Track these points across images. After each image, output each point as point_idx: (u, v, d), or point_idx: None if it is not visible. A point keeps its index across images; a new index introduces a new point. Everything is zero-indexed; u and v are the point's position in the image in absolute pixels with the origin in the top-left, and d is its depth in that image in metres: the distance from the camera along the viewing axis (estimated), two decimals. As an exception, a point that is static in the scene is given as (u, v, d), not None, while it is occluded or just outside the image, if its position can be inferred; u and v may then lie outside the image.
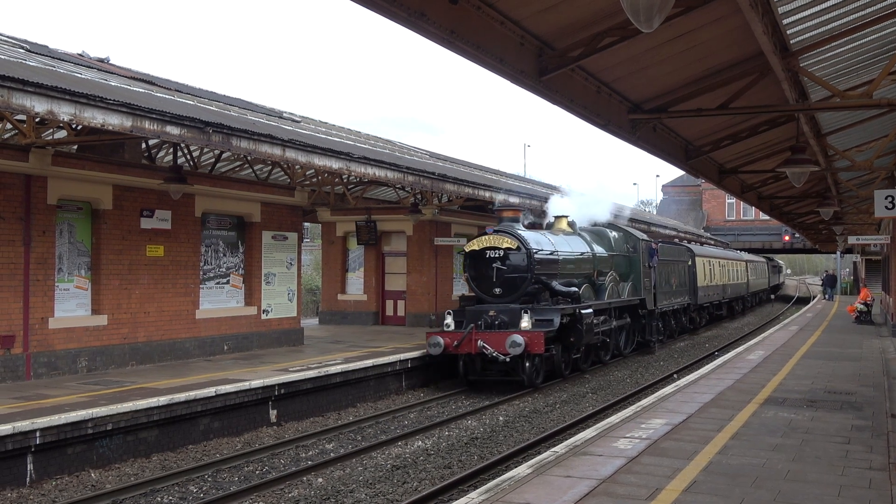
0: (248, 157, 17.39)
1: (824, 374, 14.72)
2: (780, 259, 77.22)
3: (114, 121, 10.26)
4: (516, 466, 8.66)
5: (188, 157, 17.33)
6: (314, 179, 19.15)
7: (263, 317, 18.33)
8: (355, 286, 25.55)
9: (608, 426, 9.80)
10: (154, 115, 10.75)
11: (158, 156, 17.57)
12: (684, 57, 9.94)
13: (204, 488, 9.61)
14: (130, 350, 14.89)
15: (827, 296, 50.17)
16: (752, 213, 54.70)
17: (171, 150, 16.43)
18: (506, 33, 8.13)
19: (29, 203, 13.09)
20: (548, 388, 16.93)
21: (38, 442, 9.60)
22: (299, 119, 18.96)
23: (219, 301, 17.24)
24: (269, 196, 18.45)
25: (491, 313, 16.72)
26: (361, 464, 10.55)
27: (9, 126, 14.66)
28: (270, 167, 19.06)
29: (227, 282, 17.59)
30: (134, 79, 14.33)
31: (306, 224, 28.28)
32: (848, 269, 62.02)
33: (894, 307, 25.21)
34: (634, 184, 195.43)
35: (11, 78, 8.94)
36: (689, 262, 30.13)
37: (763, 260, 54.89)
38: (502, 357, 15.80)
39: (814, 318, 32.04)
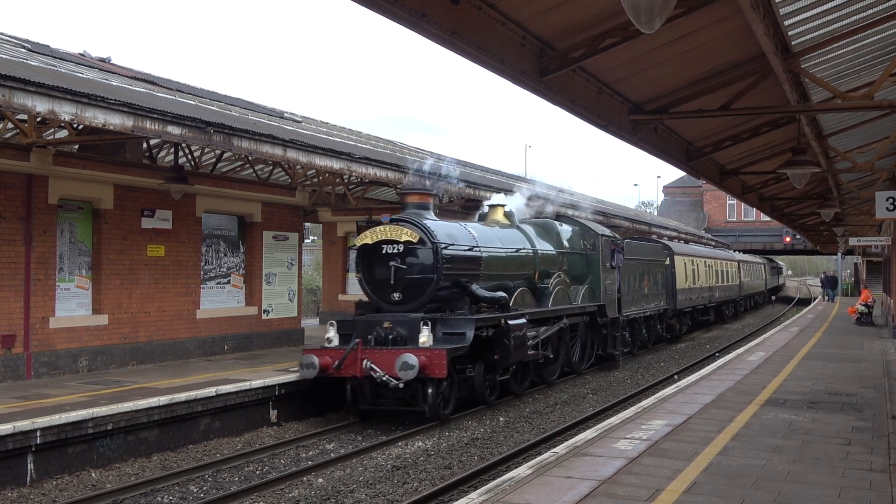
0: (250, 158, 17.39)
1: (825, 375, 14.71)
2: (782, 260, 77.11)
3: (115, 120, 10.27)
4: (517, 467, 8.66)
5: (189, 157, 17.33)
6: (315, 180, 19.16)
7: (264, 317, 18.35)
8: (356, 286, 25.47)
9: (608, 427, 9.79)
10: (155, 115, 10.76)
11: (160, 156, 17.57)
12: (685, 58, 9.94)
13: (204, 488, 9.61)
14: (131, 350, 14.90)
15: (827, 297, 50.18)
16: (753, 215, 54.67)
17: (173, 149, 16.43)
18: (507, 34, 8.14)
19: (30, 203, 13.10)
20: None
21: (38, 441, 9.60)
22: (300, 119, 18.97)
23: (219, 301, 17.25)
24: (270, 196, 18.46)
25: (385, 325, 13.08)
26: (362, 464, 10.55)
27: (10, 126, 14.68)
28: (271, 167, 19.07)
29: (228, 282, 17.60)
30: (135, 79, 14.34)
31: (307, 224, 28.29)
32: (849, 271, 62.03)
33: (895, 309, 25.20)
34: (635, 185, 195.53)
35: (13, 77, 8.95)
36: (667, 262, 26.95)
37: (760, 260, 52.68)
38: (394, 382, 12.22)
39: (814, 320, 32.02)
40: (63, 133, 14.77)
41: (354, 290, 25.19)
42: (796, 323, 30.42)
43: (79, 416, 10.07)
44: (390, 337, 12.99)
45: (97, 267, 14.41)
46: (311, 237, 44.01)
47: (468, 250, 14.27)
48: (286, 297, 19.13)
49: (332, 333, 13.38)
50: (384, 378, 12.30)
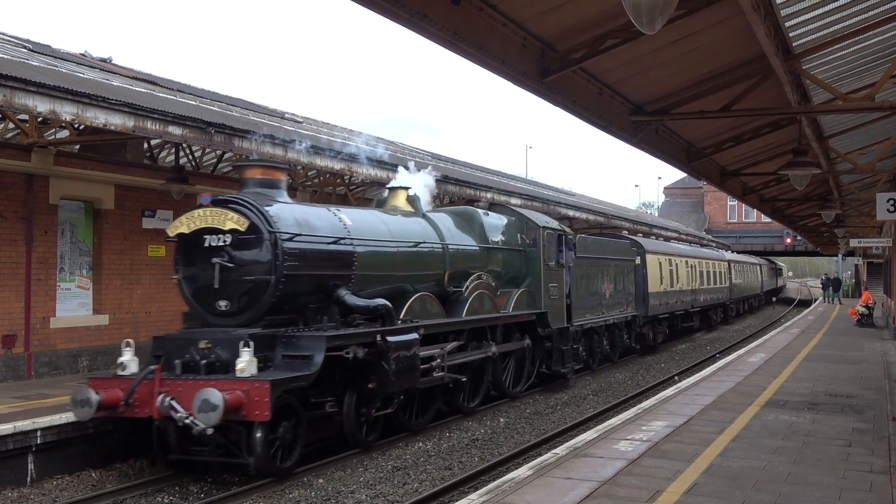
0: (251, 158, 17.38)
1: (825, 376, 14.70)
2: (782, 262, 77.12)
3: (116, 121, 10.29)
4: (517, 468, 8.67)
5: (190, 157, 17.34)
6: (316, 180, 19.17)
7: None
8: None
9: (609, 428, 9.79)
10: (156, 116, 10.78)
11: (160, 156, 17.59)
12: (686, 59, 9.94)
13: (205, 488, 9.60)
14: (131, 350, 14.89)
15: (828, 299, 50.20)
16: (754, 216, 54.65)
17: (174, 150, 16.45)
18: (508, 35, 8.14)
19: (31, 203, 13.11)
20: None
21: (38, 441, 9.60)
22: (301, 120, 18.97)
23: (220, 301, 17.22)
24: (271, 196, 18.43)
25: (202, 345, 9.68)
26: (362, 464, 10.55)
27: (11, 126, 14.70)
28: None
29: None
30: (136, 79, 14.35)
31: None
32: (849, 272, 62.04)
33: (895, 310, 25.22)
34: (636, 186, 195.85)
35: (14, 77, 8.97)
36: (637, 261, 23.48)
37: (755, 261, 50.15)
38: (200, 426, 8.73)
39: (815, 321, 32.02)
40: (64, 133, 14.80)
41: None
42: (797, 324, 30.41)
43: (79, 416, 10.04)
44: (204, 362, 9.52)
45: (98, 267, 14.42)
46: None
47: (332, 243, 10.88)
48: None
49: (127, 356, 9.83)
50: (188, 420, 8.82)
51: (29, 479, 9.57)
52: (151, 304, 15.30)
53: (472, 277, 13.84)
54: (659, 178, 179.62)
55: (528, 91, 9.01)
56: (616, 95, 10.96)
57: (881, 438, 9.25)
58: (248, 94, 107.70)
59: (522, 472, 7.74)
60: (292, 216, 10.44)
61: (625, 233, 28.60)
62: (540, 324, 15.87)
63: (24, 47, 12.99)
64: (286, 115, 18.58)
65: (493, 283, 14.50)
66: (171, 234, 10.35)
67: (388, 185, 14.42)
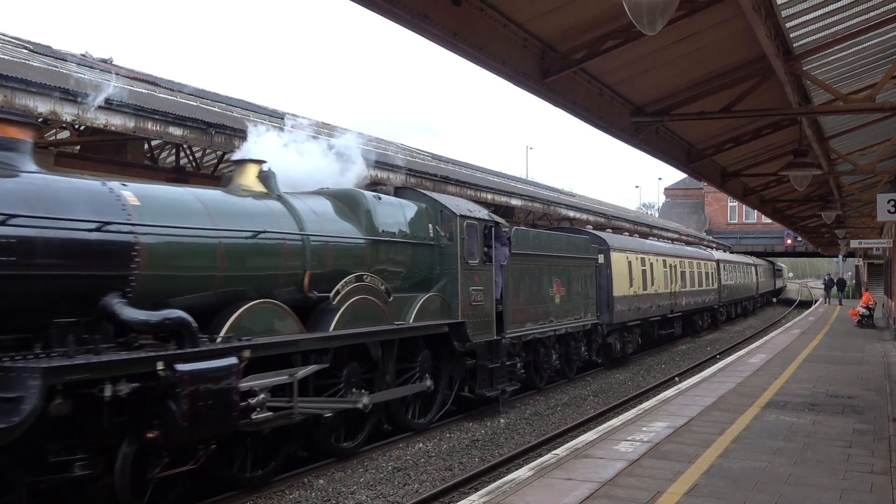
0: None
1: (826, 377, 14.71)
2: (783, 262, 77.11)
3: (116, 121, 10.29)
4: (517, 469, 8.68)
5: (191, 157, 17.34)
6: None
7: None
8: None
9: (609, 429, 9.80)
10: (157, 116, 10.78)
11: (161, 156, 17.58)
12: (687, 60, 9.94)
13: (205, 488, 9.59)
14: (132, 350, 14.86)
15: (829, 300, 50.24)
16: (755, 217, 54.67)
17: (174, 150, 16.44)
18: (509, 35, 8.14)
19: (31, 203, 13.09)
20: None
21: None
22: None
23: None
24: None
25: None
26: (362, 465, 10.54)
27: (12, 126, 14.66)
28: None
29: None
30: (137, 79, 14.35)
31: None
32: (850, 273, 62.06)
33: (896, 311, 25.21)
34: (637, 187, 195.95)
35: (14, 78, 8.97)
36: (600, 260, 20.06)
37: (751, 261, 47.39)
38: None
39: (816, 322, 32.01)
40: (64, 134, 14.79)
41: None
42: (797, 325, 30.41)
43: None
44: None
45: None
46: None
47: (94, 230, 7.60)
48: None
49: None
50: None
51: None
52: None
53: (347, 279, 10.70)
54: (659, 179, 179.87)
55: (529, 92, 9.01)
56: (617, 96, 10.96)
57: (882, 439, 9.25)
58: (249, 95, 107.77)
59: (523, 472, 7.74)
60: (21, 191, 7.20)
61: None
62: (456, 336, 12.77)
63: (25, 48, 12.98)
64: (287, 116, 18.57)
65: (384, 287, 11.38)
66: None
67: (234, 158, 11.14)
